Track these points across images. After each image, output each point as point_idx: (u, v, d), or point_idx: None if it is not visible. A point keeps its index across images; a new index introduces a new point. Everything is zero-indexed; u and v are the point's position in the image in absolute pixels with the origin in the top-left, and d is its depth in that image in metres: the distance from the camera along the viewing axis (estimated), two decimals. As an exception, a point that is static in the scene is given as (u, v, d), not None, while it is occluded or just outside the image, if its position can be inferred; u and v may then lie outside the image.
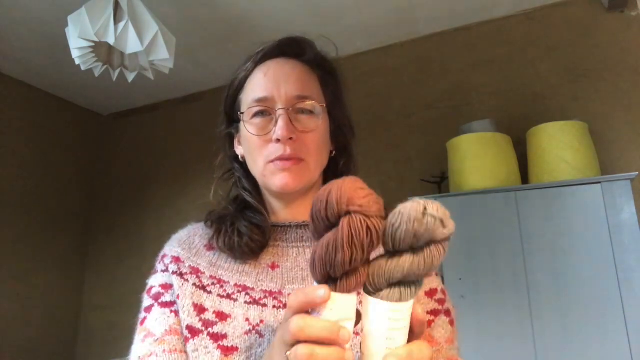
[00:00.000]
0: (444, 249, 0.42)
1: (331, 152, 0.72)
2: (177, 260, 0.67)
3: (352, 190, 0.41)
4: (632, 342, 1.56)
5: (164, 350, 0.59)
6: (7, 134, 2.91)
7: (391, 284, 0.42)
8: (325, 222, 0.43)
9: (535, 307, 1.71)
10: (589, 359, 1.61)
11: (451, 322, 0.67)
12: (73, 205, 3.30)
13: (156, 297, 0.65)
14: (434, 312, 0.65)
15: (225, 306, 0.62)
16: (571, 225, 1.73)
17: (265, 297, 0.63)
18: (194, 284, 0.64)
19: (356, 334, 0.58)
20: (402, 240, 0.41)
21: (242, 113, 0.69)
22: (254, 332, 0.60)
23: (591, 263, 1.67)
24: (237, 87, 0.71)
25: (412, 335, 0.43)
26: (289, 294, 0.63)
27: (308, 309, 0.42)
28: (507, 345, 1.73)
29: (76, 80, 2.99)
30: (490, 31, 2.46)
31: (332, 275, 0.42)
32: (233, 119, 0.73)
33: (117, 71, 1.88)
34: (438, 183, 2.29)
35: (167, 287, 0.65)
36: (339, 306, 0.42)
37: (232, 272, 0.66)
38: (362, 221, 0.41)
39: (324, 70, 0.72)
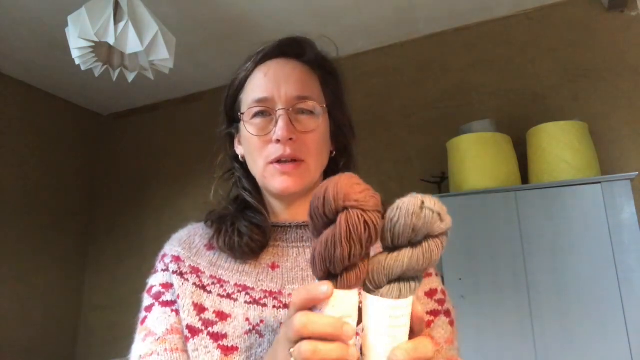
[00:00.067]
0: (442, 243, 0.42)
1: (331, 152, 0.72)
2: (177, 259, 0.67)
3: (348, 186, 0.42)
4: (632, 342, 1.56)
5: (166, 349, 0.59)
6: (7, 134, 2.91)
7: (391, 280, 0.43)
8: (324, 218, 0.43)
9: (535, 307, 1.71)
10: (589, 359, 1.61)
11: (451, 323, 0.66)
12: (73, 205, 3.30)
13: (157, 297, 0.65)
14: (434, 313, 0.65)
15: (226, 306, 0.62)
16: (571, 225, 1.73)
17: (266, 297, 0.63)
18: (194, 284, 0.64)
19: (356, 334, 0.58)
20: (400, 235, 0.42)
21: (242, 113, 0.69)
22: (254, 332, 0.60)
23: (591, 263, 1.67)
24: (237, 87, 0.71)
25: (412, 334, 0.44)
26: (289, 294, 0.63)
27: (311, 306, 0.42)
28: (507, 345, 1.73)
29: (76, 80, 2.99)
30: (490, 31, 2.46)
31: (332, 272, 0.42)
32: (233, 119, 0.73)
33: (117, 71, 1.88)
34: (438, 183, 2.29)
35: (168, 286, 0.65)
36: (341, 303, 0.42)
37: (232, 271, 0.66)
38: (360, 216, 0.41)
39: (325, 70, 0.72)
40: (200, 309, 0.62)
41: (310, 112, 0.67)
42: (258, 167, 0.67)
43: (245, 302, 0.62)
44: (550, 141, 1.88)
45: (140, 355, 0.60)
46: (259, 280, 0.64)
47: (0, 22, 2.40)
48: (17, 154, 2.95)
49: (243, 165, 0.72)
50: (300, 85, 0.67)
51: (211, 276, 0.65)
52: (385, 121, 2.60)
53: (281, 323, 0.61)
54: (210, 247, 0.69)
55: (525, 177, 2.01)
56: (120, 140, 3.51)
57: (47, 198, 3.11)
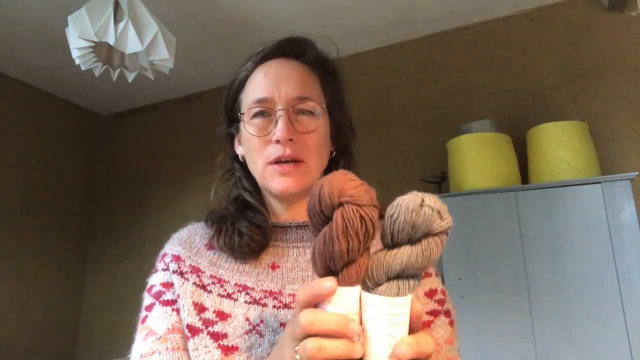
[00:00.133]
0: (442, 242, 0.42)
1: (331, 152, 0.72)
2: (177, 259, 0.67)
3: (342, 182, 0.43)
4: (632, 342, 1.56)
5: (167, 348, 0.59)
6: (7, 134, 2.91)
7: (390, 278, 0.43)
8: (321, 216, 0.43)
9: (535, 307, 1.71)
10: (589, 359, 1.61)
11: (451, 323, 0.66)
12: (73, 205, 3.30)
13: (157, 296, 0.65)
14: (434, 313, 0.65)
15: (226, 306, 0.62)
16: (571, 225, 1.73)
17: (266, 297, 0.63)
18: (194, 283, 0.64)
19: None
20: (400, 232, 0.42)
21: (242, 114, 0.68)
22: (254, 331, 0.60)
23: (591, 263, 1.67)
24: (237, 87, 0.71)
25: (411, 332, 0.44)
26: (289, 294, 0.63)
27: (316, 303, 0.43)
28: (507, 345, 1.73)
29: (76, 80, 2.99)
30: (490, 31, 2.46)
31: (332, 269, 0.43)
32: (233, 119, 0.73)
33: (117, 71, 1.88)
34: (438, 183, 2.29)
35: (168, 285, 0.65)
36: (343, 300, 0.42)
37: (232, 271, 0.66)
38: (355, 210, 0.41)
39: (325, 70, 0.72)
40: (200, 308, 0.62)
41: (310, 113, 0.67)
42: (258, 167, 0.67)
43: (246, 302, 0.62)
44: (550, 141, 1.88)
45: (142, 354, 0.60)
46: (259, 280, 0.64)
47: (0, 22, 2.40)
48: (17, 154, 2.95)
49: (243, 165, 0.72)
50: (300, 86, 0.67)
51: (211, 276, 0.65)
52: (385, 121, 2.60)
53: (281, 323, 0.61)
54: (210, 246, 0.69)
55: (525, 177, 2.01)
56: (120, 140, 3.51)
57: (47, 198, 3.11)
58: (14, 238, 2.87)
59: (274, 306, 0.62)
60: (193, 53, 2.71)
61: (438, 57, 2.56)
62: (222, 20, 2.42)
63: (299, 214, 0.70)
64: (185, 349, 0.60)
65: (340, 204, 0.42)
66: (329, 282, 0.41)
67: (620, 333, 1.58)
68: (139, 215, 3.24)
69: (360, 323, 0.43)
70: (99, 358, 3.02)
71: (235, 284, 0.64)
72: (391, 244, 0.44)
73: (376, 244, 0.45)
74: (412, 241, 0.43)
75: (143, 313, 0.65)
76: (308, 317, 0.41)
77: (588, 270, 1.67)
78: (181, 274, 0.65)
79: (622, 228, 1.65)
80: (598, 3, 2.22)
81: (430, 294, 0.67)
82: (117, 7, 1.63)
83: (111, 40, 1.58)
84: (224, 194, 0.76)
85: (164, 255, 0.69)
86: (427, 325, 0.63)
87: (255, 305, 0.62)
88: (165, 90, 3.19)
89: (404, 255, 0.42)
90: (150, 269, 0.70)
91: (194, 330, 0.60)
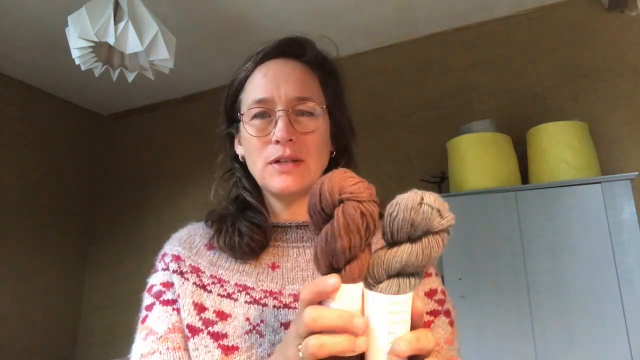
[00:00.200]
0: (443, 241, 0.42)
1: (331, 152, 0.72)
2: (177, 259, 0.67)
3: (342, 179, 0.43)
4: (632, 342, 1.56)
5: (168, 348, 0.59)
6: (7, 134, 2.91)
7: (390, 276, 0.43)
8: (322, 214, 0.44)
9: (535, 307, 1.71)
10: (589, 359, 1.61)
11: (451, 323, 0.66)
12: (73, 205, 3.30)
13: (157, 296, 0.65)
14: (434, 313, 0.65)
15: (226, 305, 0.62)
16: (571, 225, 1.73)
17: (266, 297, 0.63)
18: (194, 283, 0.64)
19: None
20: (399, 230, 0.42)
21: (242, 114, 0.68)
22: (254, 331, 0.60)
23: (591, 263, 1.67)
24: (237, 87, 0.71)
25: (412, 330, 0.44)
26: (289, 294, 0.63)
27: (319, 301, 0.43)
28: (507, 345, 1.73)
29: (76, 80, 2.99)
30: (490, 31, 2.46)
31: (335, 267, 0.43)
32: (233, 119, 0.73)
33: (117, 71, 1.88)
34: (438, 183, 2.29)
35: (168, 285, 0.65)
36: (346, 297, 0.42)
37: (232, 271, 0.66)
38: (356, 206, 0.42)
39: (325, 70, 0.72)
40: (200, 308, 0.62)
41: (310, 114, 0.67)
42: (257, 167, 0.67)
43: (246, 301, 0.62)
44: (550, 141, 1.88)
45: (142, 354, 0.60)
46: (259, 280, 0.64)
47: (0, 22, 2.40)
48: (17, 154, 2.95)
49: (243, 165, 0.72)
50: (300, 86, 0.67)
51: (211, 276, 0.65)
52: (385, 121, 2.60)
53: (281, 323, 0.61)
54: (210, 246, 0.69)
55: (525, 177, 2.01)
56: (120, 140, 3.51)
57: (47, 198, 3.12)
58: (14, 238, 2.87)
59: (274, 306, 0.62)
60: (193, 53, 2.71)
61: (438, 57, 2.56)
62: (222, 20, 2.42)
63: (299, 213, 0.70)
64: (186, 349, 0.60)
65: (341, 201, 0.42)
66: (333, 279, 0.42)
67: (620, 333, 1.58)
68: (139, 215, 3.24)
69: None
70: (99, 358, 3.02)
71: (236, 284, 0.64)
72: (391, 241, 0.44)
73: (377, 242, 0.45)
74: (412, 239, 0.43)
75: (143, 313, 0.65)
76: (312, 314, 0.41)
77: (588, 270, 1.67)
78: (181, 273, 0.65)
79: (622, 228, 1.65)
80: (598, 3, 2.22)
81: (430, 293, 0.67)
82: (117, 7, 1.63)
83: (111, 40, 1.58)
84: (224, 194, 0.76)
85: (164, 255, 0.69)
86: (427, 325, 0.63)
87: (256, 305, 0.62)
88: (165, 90, 3.19)
89: (403, 253, 0.42)
90: (150, 269, 0.70)
91: (194, 330, 0.60)
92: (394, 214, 0.42)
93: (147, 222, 3.18)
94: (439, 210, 0.42)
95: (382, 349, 0.42)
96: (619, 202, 1.68)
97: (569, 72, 2.23)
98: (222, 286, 0.64)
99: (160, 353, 0.59)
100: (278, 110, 0.65)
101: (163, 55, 1.68)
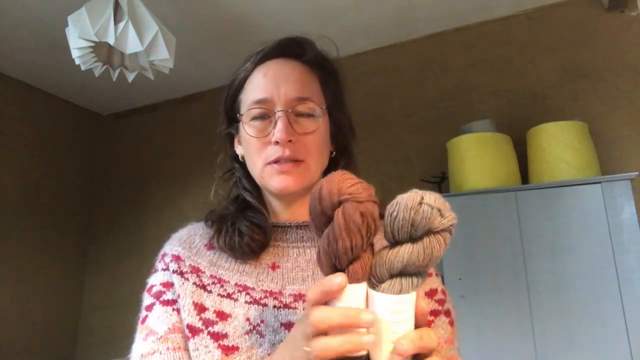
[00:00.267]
0: (444, 240, 0.42)
1: (331, 152, 0.72)
2: (177, 259, 0.67)
3: (340, 181, 0.44)
4: (632, 342, 1.56)
5: (168, 348, 0.59)
6: (7, 134, 2.91)
7: (392, 275, 0.43)
8: (323, 216, 0.44)
9: (535, 307, 1.71)
10: (589, 359, 1.61)
11: (451, 323, 0.67)
12: (73, 205, 3.30)
13: (157, 296, 0.64)
14: (434, 313, 0.65)
15: (226, 306, 0.62)
16: (571, 225, 1.73)
17: (266, 297, 0.63)
18: (194, 283, 0.64)
19: None
20: (400, 229, 0.42)
21: (242, 115, 0.68)
22: (254, 332, 0.60)
23: (591, 263, 1.67)
24: (236, 88, 0.71)
25: (416, 329, 0.44)
26: (289, 294, 0.63)
27: (326, 301, 0.43)
28: (507, 345, 1.73)
29: (76, 80, 2.99)
30: (490, 31, 2.46)
31: (338, 267, 0.44)
32: (233, 119, 0.73)
33: (117, 71, 1.88)
34: (438, 183, 2.29)
35: (168, 285, 0.65)
36: (350, 297, 0.42)
37: (232, 271, 0.65)
38: (355, 207, 0.42)
39: (325, 70, 0.72)
40: (200, 308, 0.62)
41: (310, 114, 0.67)
42: (257, 168, 0.67)
43: (246, 302, 0.62)
44: (550, 141, 1.88)
45: (142, 354, 0.60)
46: (259, 280, 0.64)
47: (0, 22, 2.40)
48: (17, 154, 2.95)
49: (243, 165, 0.72)
50: (300, 86, 0.66)
51: (211, 276, 0.65)
52: (385, 121, 2.60)
53: (281, 323, 0.61)
54: (210, 246, 0.68)
55: (525, 177, 2.01)
56: (120, 140, 3.51)
57: (47, 198, 3.11)
58: (14, 238, 2.87)
59: (275, 306, 0.62)
60: (193, 53, 2.71)
61: (438, 57, 2.56)
62: (222, 20, 2.42)
63: (299, 213, 0.70)
64: (186, 349, 0.60)
65: (340, 202, 0.43)
66: (339, 278, 0.42)
67: (620, 333, 1.58)
68: (139, 215, 3.24)
69: None
70: (99, 358, 3.02)
71: (236, 284, 0.64)
72: (393, 241, 0.44)
73: (379, 241, 0.45)
74: (413, 239, 0.43)
75: (143, 313, 0.64)
76: (319, 315, 0.41)
77: (588, 270, 1.67)
78: (181, 274, 0.65)
79: (622, 228, 1.65)
80: (598, 3, 2.22)
81: (431, 293, 0.67)
82: (117, 7, 1.63)
83: (111, 40, 1.58)
84: (224, 194, 0.76)
85: (164, 255, 0.69)
86: (427, 325, 0.63)
87: (256, 305, 0.62)
88: (165, 90, 3.19)
89: (405, 253, 0.42)
90: (150, 269, 0.70)
91: (194, 330, 0.60)
92: (395, 214, 0.42)
93: (147, 222, 3.18)
94: (439, 210, 0.42)
95: (385, 348, 0.42)
96: (619, 202, 1.68)
97: (569, 72, 2.23)
98: (222, 286, 0.64)
99: (161, 353, 0.59)
100: (277, 111, 0.65)
101: (163, 55, 1.68)
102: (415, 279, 0.43)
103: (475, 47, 2.47)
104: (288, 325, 0.60)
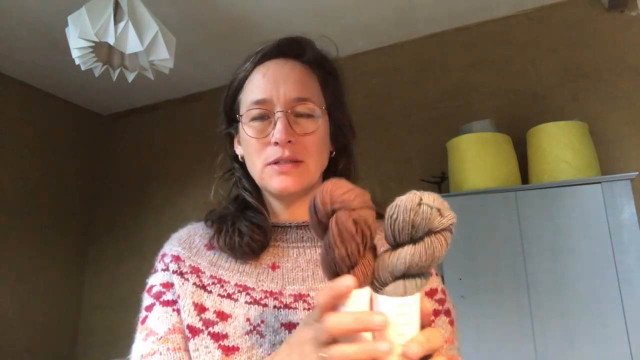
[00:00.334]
0: (445, 239, 0.42)
1: (331, 152, 0.72)
2: (177, 259, 0.67)
3: (332, 190, 0.44)
4: (632, 342, 1.56)
5: (168, 349, 0.59)
6: (7, 134, 2.91)
7: (396, 278, 0.43)
8: (321, 225, 0.45)
9: (535, 307, 1.71)
10: (589, 359, 1.61)
11: (451, 322, 0.67)
12: (73, 205, 3.30)
13: (157, 296, 0.64)
14: (434, 312, 0.65)
15: (226, 306, 0.62)
16: (571, 225, 1.73)
17: (266, 297, 0.63)
18: (194, 284, 0.64)
19: None
20: (401, 231, 0.42)
21: (241, 115, 0.68)
22: (254, 332, 0.60)
23: (591, 263, 1.67)
24: (236, 88, 0.71)
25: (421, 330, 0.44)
26: (289, 295, 0.63)
27: (336, 305, 0.43)
28: (507, 345, 1.73)
29: (76, 80, 2.99)
30: (490, 31, 2.46)
31: (339, 274, 0.44)
32: (232, 119, 0.72)
33: (117, 71, 1.88)
34: (438, 183, 2.29)
35: (168, 285, 0.65)
36: (355, 302, 0.42)
37: (232, 271, 0.65)
38: (347, 215, 0.43)
39: (325, 70, 0.72)
40: (200, 308, 0.62)
41: (309, 115, 0.66)
42: (256, 168, 0.67)
43: (246, 302, 0.62)
44: (550, 141, 1.88)
45: (142, 355, 0.60)
46: (259, 281, 0.64)
47: (0, 22, 2.40)
48: (17, 154, 2.95)
49: (243, 165, 0.72)
50: (300, 86, 0.66)
51: (211, 276, 0.65)
52: (385, 121, 2.60)
53: (282, 323, 0.61)
54: (210, 246, 0.68)
55: (525, 177, 2.01)
56: (120, 140, 3.51)
57: (47, 198, 3.11)
58: (14, 238, 2.87)
59: (275, 306, 0.62)
60: (193, 53, 2.71)
61: (438, 57, 2.56)
62: (222, 20, 2.42)
63: (298, 213, 0.69)
64: (186, 350, 0.60)
65: (334, 211, 0.43)
66: (348, 280, 0.42)
67: (620, 333, 1.58)
68: (139, 215, 3.24)
69: None
70: (99, 358, 3.02)
71: (236, 284, 0.64)
72: (394, 244, 0.44)
73: (381, 242, 0.45)
74: (414, 240, 0.43)
75: (143, 313, 0.64)
76: (335, 320, 0.41)
77: (588, 270, 1.67)
78: (181, 274, 0.65)
79: (622, 228, 1.65)
80: (598, 3, 2.22)
81: (431, 293, 0.67)
82: (117, 7, 1.63)
83: (111, 40, 1.58)
84: (224, 194, 0.76)
85: (164, 255, 0.69)
86: (429, 325, 0.63)
87: (256, 306, 0.62)
88: (165, 90, 3.19)
89: (407, 254, 0.42)
90: (150, 269, 0.70)
91: (194, 331, 0.60)
92: (394, 216, 0.42)
93: (147, 222, 3.17)
94: (438, 210, 0.42)
95: (393, 351, 0.42)
96: (619, 202, 1.68)
97: (569, 72, 2.23)
98: (222, 286, 0.64)
99: (161, 354, 0.59)
100: (277, 112, 0.65)
101: (163, 55, 1.68)
102: (418, 280, 0.43)
103: (475, 47, 2.47)
104: (288, 326, 0.60)
